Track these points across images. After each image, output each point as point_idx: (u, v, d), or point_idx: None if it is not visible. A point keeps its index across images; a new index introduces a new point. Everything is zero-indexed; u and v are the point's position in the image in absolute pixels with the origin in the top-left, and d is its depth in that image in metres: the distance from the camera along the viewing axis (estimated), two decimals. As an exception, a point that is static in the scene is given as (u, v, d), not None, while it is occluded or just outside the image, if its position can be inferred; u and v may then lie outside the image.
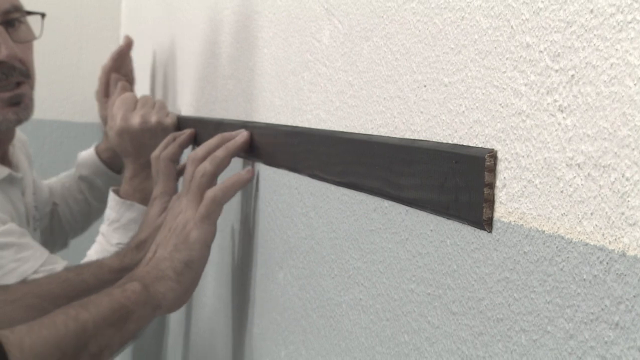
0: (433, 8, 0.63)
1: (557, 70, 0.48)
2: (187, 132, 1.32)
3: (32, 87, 1.47)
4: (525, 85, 0.52)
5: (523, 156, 0.52)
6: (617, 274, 0.43)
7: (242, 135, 1.09)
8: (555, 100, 0.49)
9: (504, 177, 0.54)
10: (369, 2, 0.75)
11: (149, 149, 1.39)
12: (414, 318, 0.65)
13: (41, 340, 0.90)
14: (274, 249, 1.03)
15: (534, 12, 0.51)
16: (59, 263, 1.34)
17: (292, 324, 0.94)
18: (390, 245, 0.70)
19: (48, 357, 0.90)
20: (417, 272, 0.65)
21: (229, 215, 1.07)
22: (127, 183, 1.46)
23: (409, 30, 0.67)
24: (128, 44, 1.71)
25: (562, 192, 0.48)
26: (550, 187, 0.49)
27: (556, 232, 0.48)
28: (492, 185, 0.55)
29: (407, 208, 0.67)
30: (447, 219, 0.60)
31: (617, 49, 0.43)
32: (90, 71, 2.51)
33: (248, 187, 1.14)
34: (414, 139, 0.66)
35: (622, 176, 0.43)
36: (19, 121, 1.45)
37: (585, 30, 0.46)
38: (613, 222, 0.43)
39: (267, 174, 1.06)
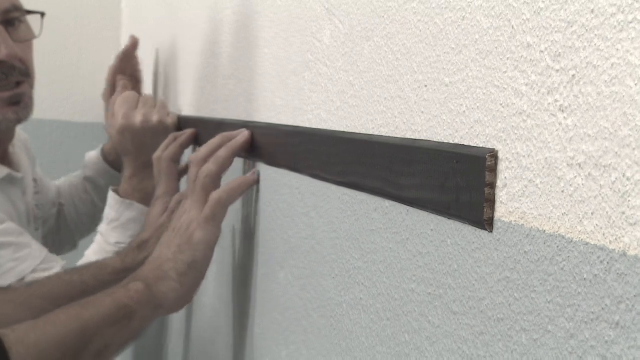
0: (434, 8, 0.63)
1: (558, 70, 0.49)
2: (187, 132, 1.33)
3: (32, 87, 1.47)
4: (526, 85, 0.52)
5: (524, 156, 0.52)
6: (617, 273, 0.43)
7: (243, 134, 1.09)
8: (556, 100, 0.49)
9: (505, 177, 0.54)
10: (370, 2, 0.75)
11: (149, 148, 1.39)
12: (415, 318, 0.65)
13: (44, 338, 0.90)
14: (275, 248, 1.03)
15: (534, 12, 0.51)
16: (57, 262, 1.34)
17: (293, 323, 0.94)
18: (391, 245, 0.70)
19: (51, 355, 0.90)
20: (417, 271, 0.65)
21: (230, 215, 1.07)
22: (126, 182, 1.46)
23: (409, 30, 0.67)
24: (134, 44, 1.71)
25: (563, 191, 0.48)
26: (551, 186, 0.49)
27: (557, 232, 0.48)
28: (493, 185, 0.55)
29: (408, 208, 0.67)
30: (448, 218, 0.60)
31: (618, 49, 0.43)
32: (91, 71, 2.51)
33: (249, 187, 1.14)
34: (415, 139, 0.66)
35: (623, 176, 0.43)
36: (19, 120, 1.45)
37: (586, 30, 0.46)
38: (614, 221, 0.43)
39: (268, 174, 1.06)
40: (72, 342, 0.92)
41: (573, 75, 0.47)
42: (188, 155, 1.38)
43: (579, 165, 0.46)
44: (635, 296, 0.42)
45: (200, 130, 1.33)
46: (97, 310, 0.94)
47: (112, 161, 1.71)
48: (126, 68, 1.69)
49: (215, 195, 1.05)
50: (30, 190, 1.55)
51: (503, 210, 0.54)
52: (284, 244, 0.99)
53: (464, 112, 0.59)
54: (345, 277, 0.79)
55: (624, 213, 0.43)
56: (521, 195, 0.52)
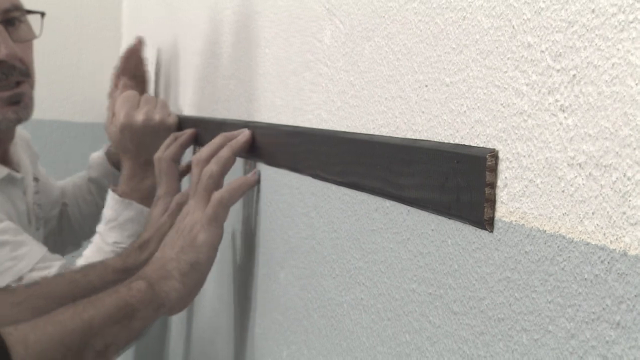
0: (434, 8, 0.63)
1: (558, 70, 0.49)
2: (188, 132, 1.33)
3: (32, 87, 1.47)
4: (527, 85, 0.52)
5: (524, 156, 0.52)
6: (618, 273, 0.43)
7: (244, 134, 1.09)
8: (557, 100, 0.49)
9: (505, 177, 0.54)
10: (371, 2, 0.75)
11: (149, 147, 1.39)
12: (415, 318, 0.65)
13: (46, 337, 0.90)
14: (275, 248, 1.03)
15: (535, 12, 0.51)
16: (56, 261, 1.34)
17: (294, 324, 0.94)
18: (392, 245, 0.70)
19: (52, 354, 0.90)
20: (418, 271, 0.65)
21: (231, 216, 1.07)
22: (125, 182, 1.46)
23: (410, 30, 0.67)
24: (139, 44, 1.71)
25: (563, 191, 0.48)
26: (551, 186, 0.49)
27: (557, 232, 0.48)
28: (493, 185, 0.55)
29: (409, 208, 0.67)
30: (449, 218, 0.60)
31: (618, 49, 0.43)
32: (91, 71, 2.51)
33: (249, 187, 1.14)
34: (416, 139, 0.66)
35: (624, 176, 0.43)
36: (19, 120, 1.45)
37: (587, 30, 0.46)
38: (614, 221, 0.43)
39: (268, 173, 1.06)
40: (73, 341, 0.92)
41: (574, 75, 0.47)
42: (189, 155, 1.38)
43: (580, 165, 0.46)
44: (635, 296, 0.42)
45: (201, 130, 1.33)
46: (98, 309, 0.94)
47: (117, 162, 1.71)
48: (133, 69, 1.69)
49: (217, 195, 1.05)
50: (31, 190, 1.55)
51: (503, 210, 0.54)
52: (285, 244, 0.99)
53: (465, 112, 0.59)
54: (346, 277, 0.79)
55: (624, 213, 0.43)
56: (522, 195, 0.52)
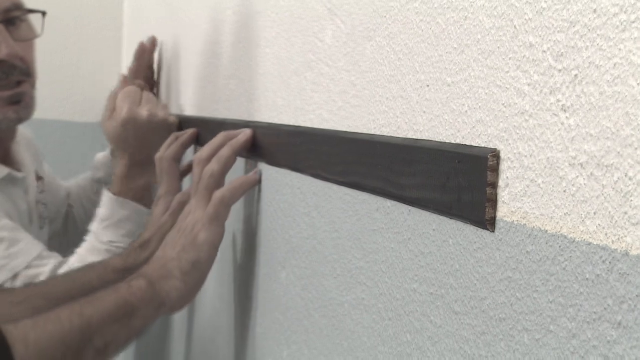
0: (436, 8, 0.63)
1: (560, 70, 0.49)
2: (189, 132, 1.33)
3: (33, 86, 1.47)
4: (529, 85, 0.52)
5: (526, 156, 0.52)
6: (620, 273, 0.43)
7: (245, 133, 1.09)
8: (559, 100, 0.49)
9: (507, 177, 0.54)
10: (372, 2, 0.75)
11: (150, 145, 1.39)
12: (417, 318, 0.65)
13: (46, 335, 0.90)
14: (276, 248, 1.03)
15: (537, 12, 0.51)
16: (52, 259, 1.34)
17: (295, 323, 0.94)
18: (393, 245, 0.70)
19: (53, 352, 0.90)
20: (419, 271, 0.65)
21: (232, 215, 1.07)
22: (120, 181, 1.45)
23: (412, 30, 0.67)
24: (152, 45, 1.71)
25: (565, 191, 0.48)
26: (553, 186, 0.49)
27: (559, 232, 0.48)
28: (494, 185, 0.55)
29: (410, 208, 0.67)
30: (450, 218, 0.60)
31: (620, 49, 0.43)
32: (91, 71, 2.51)
33: (250, 187, 1.14)
34: (417, 139, 0.66)
35: (625, 176, 0.43)
36: (20, 120, 1.45)
37: (589, 30, 0.46)
38: (616, 221, 0.43)
39: (270, 173, 1.06)
40: (74, 339, 0.92)
41: (575, 75, 0.47)
42: (190, 155, 1.38)
43: (581, 165, 0.46)
44: (637, 296, 0.42)
45: (202, 130, 1.33)
46: (98, 307, 0.95)
47: None
48: (144, 69, 1.70)
49: (218, 194, 1.05)
50: (33, 190, 1.55)
51: (505, 210, 0.54)
52: (286, 244, 0.99)
53: (466, 112, 0.59)
54: (347, 277, 0.79)
55: (626, 213, 0.43)
56: (523, 195, 0.52)
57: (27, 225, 1.47)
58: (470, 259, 0.58)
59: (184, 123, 1.47)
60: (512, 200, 0.53)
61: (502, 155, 0.54)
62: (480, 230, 0.56)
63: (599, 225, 0.45)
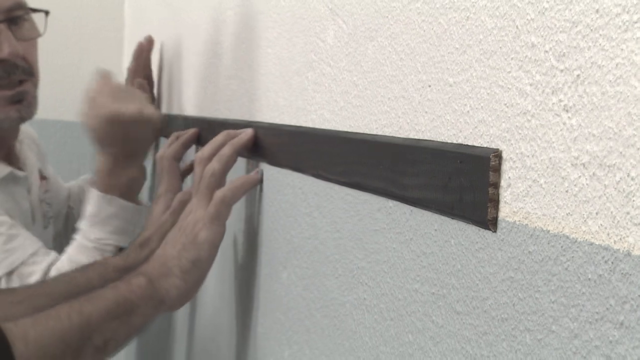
0: (438, 8, 0.63)
1: (562, 70, 0.49)
2: (190, 132, 1.33)
3: (35, 85, 1.47)
4: (531, 85, 0.52)
5: (528, 156, 0.52)
6: (622, 273, 0.43)
7: (246, 132, 1.09)
8: (561, 100, 0.49)
9: (509, 177, 0.54)
10: (374, 2, 0.75)
11: (136, 140, 1.39)
12: (418, 318, 0.65)
13: (46, 333, 0.90)
14: (277, 248, 1.03)
15: (539, 12, 0.51)
16: (47, 256, 1.34)
17: (296, 323, 0.94)
18: (395, 245, 0.70)
19: (52, 350, 0.90)
20: (421, 271, 0.65)
21: (233, 215, 1.07)
22: (103, 177, 1.43)
23: (413, 30, 0.67)
24: (149, 44, 1.71)
25: (567, 191, 0.48)
26: (555, 186, 0.49)
27: (561, 232, 0.48)
28: (496, 185, 0.55)
29: (412, 208, 0.67)
30: (452, 218, 0.60)
31: (622, 49, 0.43)
32: (92, 71, 2.51)
33: (251, 187, 1.14)
34: (419, 139, 0.66)
35: (627, 176, 0.43)
36: (22, 119, 1.45)
37: (591, 30, 0.46)
38: (618, 221, 0.43)
39: (271, 173, 1.06)
40: (73, 336, 0.92)
41: (577, 75, 0.47)
42: (191, 155, 1.38)
43: (583, 165, 0.46)
44: (639, 296, 0.42)
45: (203, 130, 1.33)
46: (98, 304, 0.95)
47: None
48: (142, 68, 1.70)
49: (219, 193, 1.05)
50: (36, 189, 1.54)
51: (507, 210, 0.54)
52: (287, 244, 0.99)
53: (468, 112, 0.59)
54: (349, 277, 0.79)
55: (628, 213, 0.43)
56: (525, 195, 0.52)
57: (29, 224, 1.47)
58: (472, 259, 0.58)
59: (185, 123, 1.47)
60: (514, 200, 0.53)
61: (504, 155, 0.54)
62: (482, 230, 0.56)
63: (601, 225, 0.45)
